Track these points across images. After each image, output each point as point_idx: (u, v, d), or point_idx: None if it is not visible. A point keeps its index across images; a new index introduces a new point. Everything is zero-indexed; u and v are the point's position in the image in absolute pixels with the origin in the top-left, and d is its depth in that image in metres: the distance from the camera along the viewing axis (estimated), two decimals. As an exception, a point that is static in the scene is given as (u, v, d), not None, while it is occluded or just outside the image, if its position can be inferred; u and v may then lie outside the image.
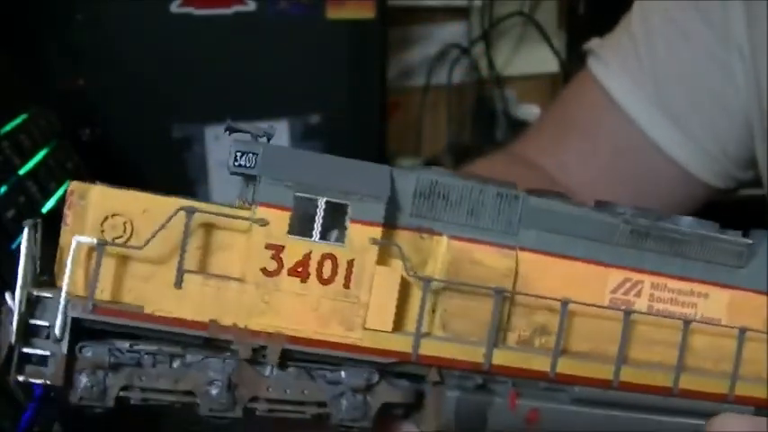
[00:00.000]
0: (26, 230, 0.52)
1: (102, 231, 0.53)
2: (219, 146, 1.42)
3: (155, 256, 0.54)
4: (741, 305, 0.68)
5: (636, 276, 0.65)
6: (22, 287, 0.51)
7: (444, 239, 0.60)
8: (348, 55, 1.53)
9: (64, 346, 0.52)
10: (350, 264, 0.56)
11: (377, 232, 0.57)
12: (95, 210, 0.54)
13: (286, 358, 0.56)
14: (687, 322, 0.65)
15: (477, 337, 0.60)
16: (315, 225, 0.56)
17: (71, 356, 0.53)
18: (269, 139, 0.57)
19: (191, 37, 1.43)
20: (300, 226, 0.55)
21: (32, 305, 0.52)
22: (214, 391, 0.55)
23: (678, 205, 1.10)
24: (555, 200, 0.64)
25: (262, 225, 0.55)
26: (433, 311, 0.60)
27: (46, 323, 0.52)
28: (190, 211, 0.53)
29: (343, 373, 0.58)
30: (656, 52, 1.11)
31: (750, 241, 0.67)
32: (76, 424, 0.83)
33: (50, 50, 1.35)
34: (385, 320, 0.57)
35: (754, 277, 0.67)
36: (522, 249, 0.62)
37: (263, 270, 0.55)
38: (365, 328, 0.57)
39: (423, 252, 0.60)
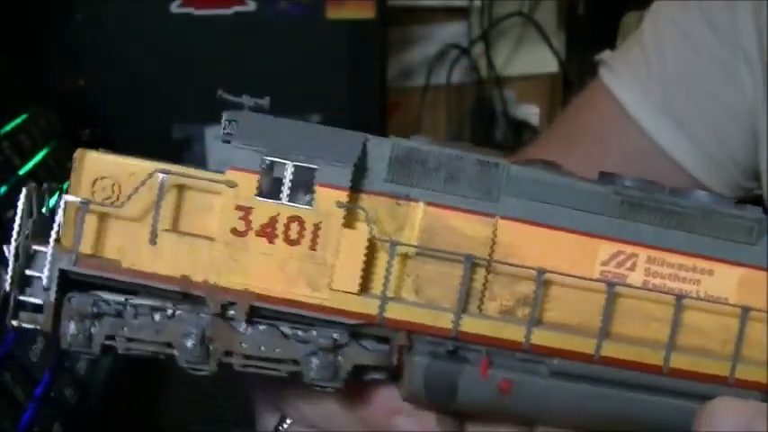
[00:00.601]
0: (24, 190, 0.56)
1: (93, 193, 0.57)
2: (219, 146, 1.42)
3: (135, 215, 0.57)
4: (753, 284, 0.64)
5: (630, 249, 0.63)
6: (17, 240, 0.56)
7: (420, 206, 0.60)
8: (348, 55, 1.53)
9: (52, 295, 0.56)
10: (316, 226, 0.57)
11: (343, 196, 0.57)
12: (88, 173, 0.58)
13: (254, 315, 0.58)
14: (680, 298, 0.62)
15: (450, 304, 0.60)
16: (283, 188, 0.57)
17: (59, 305, 0.57)
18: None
19: (191, 37, 1.43)
20: (269, 189, 0.57)
21: (30, 258, 0.57)
22: (189, 344, 0.57)
23: None
24: (540, 169, 0.62)
25: (230, 186, 0.56)
26: (407, 276, 0.60)
27: (40, 274, 0.57)
28: (164, 173, 0.56)
29: (314, 332, 0.59)
30: (664, 57, 1.10)
31: (761, 217, 0.63)
32: (76, 423, 0.83)
33: (50, 50, 1.36)
34: (351, 282, 0.58)
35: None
36: (504, 218, 0.61)
37: (233, 230, 0.57)
38: (331, 289, 0.58)
39: (399, 218, 0.60)
